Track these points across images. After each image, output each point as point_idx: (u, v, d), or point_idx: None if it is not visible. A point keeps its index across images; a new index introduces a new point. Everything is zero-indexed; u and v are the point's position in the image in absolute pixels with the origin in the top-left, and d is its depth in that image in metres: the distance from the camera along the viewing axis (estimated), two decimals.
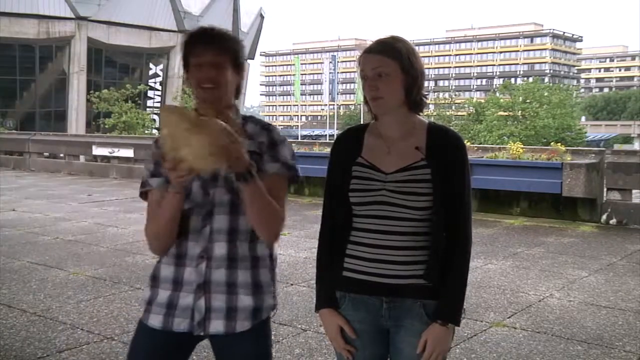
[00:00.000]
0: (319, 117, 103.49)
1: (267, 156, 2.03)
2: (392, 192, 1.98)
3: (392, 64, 1.96)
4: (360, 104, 48.27)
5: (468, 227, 2.03)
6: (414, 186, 1.97)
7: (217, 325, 2.02)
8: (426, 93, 2.06)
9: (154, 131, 35.26)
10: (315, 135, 61.33)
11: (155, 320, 2.05)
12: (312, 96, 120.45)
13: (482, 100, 50.39)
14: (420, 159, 1.99)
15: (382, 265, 1.99)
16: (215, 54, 1.99)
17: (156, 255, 2.11)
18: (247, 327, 2.04)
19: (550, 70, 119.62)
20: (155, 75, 43.08)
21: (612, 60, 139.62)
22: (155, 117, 38.64)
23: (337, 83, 61.71)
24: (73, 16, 38.18)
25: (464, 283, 2.03)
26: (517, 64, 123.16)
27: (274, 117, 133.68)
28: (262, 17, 51.41)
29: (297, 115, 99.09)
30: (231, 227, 2.02)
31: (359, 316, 2.06)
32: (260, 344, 2.11)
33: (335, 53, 78.49)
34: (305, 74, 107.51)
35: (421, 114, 2.09)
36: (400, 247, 1.98)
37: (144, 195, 2.12)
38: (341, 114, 71.33)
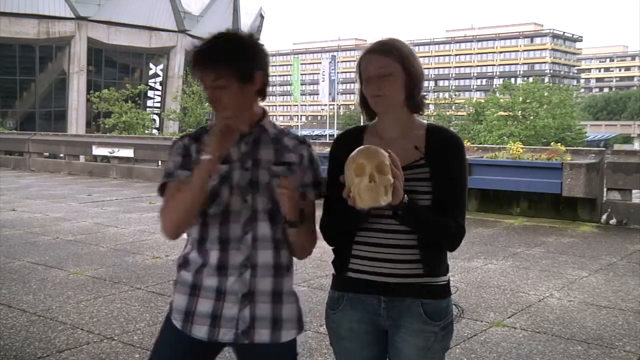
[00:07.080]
0: (318, 117, 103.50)
1: (309, 174, 2.09)
2: None
3: (395, 64, 1.99)
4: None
5: (463, 222, 2.04)
6: (414, 185, 1.98)
7: (262, 335, 2.01)
8: (425, 94, 2.09)
9: (154, 131, 35.30)
10: (316, 135, 61.27)
11: (201, 332, 2.01)
12: (312, 96, 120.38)
13: (482, 100, 50.27)
14: (420, 158, 2.01)
15: (383, 264, 2.00)
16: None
17: (169, 238, 2.03)
18: (292, 336, 2.07)
19: (550, 70, 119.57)
20: (155, 75, 43.10)
21: (612, 60, 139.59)
22: (156, 117, 38.71)
23: (337, 83, 61.60)
24: (73, 16, 38.19)
25: (435, 225, 1.98)
26: (517, 64, 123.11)
27: (274, 117, 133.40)
28: (262, 17, 51.40)
29: (297, 115, 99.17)
30: (274, 235, 2.03)
31: (357, 316, 2.06)
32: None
33: (335, 53, 78.47)
34: (305, 74, 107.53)
35: (421, 113, 2.11)
36: (402, 245, 1.99)
37: (162, 188, 2.04)
38: (341, 114, 71.30)
